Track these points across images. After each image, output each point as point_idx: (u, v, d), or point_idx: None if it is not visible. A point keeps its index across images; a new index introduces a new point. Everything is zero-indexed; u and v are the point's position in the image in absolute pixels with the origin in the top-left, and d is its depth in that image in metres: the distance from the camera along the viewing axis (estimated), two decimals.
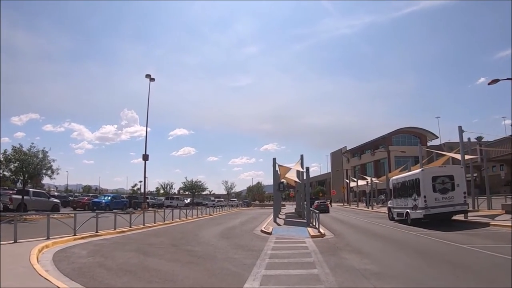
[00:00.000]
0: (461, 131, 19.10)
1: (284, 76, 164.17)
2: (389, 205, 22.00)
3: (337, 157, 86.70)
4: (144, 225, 17.96)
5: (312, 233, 14.04)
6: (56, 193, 50.95)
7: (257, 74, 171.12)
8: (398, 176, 20.68)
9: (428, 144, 65.04)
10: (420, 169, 16.85)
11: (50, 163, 21.97)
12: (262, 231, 15.73)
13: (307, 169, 18.73)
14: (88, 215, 15.02)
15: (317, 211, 15.80)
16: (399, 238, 12.91)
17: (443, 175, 16.66)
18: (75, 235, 12.49)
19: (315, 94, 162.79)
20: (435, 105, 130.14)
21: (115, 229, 15.00)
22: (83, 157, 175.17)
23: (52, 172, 22.35)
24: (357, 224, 20.05)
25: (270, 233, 14.76)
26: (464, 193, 16.67)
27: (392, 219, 21.24)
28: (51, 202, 25.33)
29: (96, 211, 16.87)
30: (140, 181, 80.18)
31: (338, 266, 7.63)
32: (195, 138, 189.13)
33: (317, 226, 15.09)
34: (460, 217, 17.70)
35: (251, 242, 12.06)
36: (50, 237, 11.38)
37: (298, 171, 25.94)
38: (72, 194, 52.85)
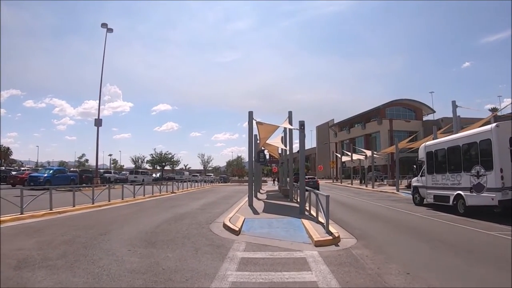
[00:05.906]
0: None
1: (271, 52, 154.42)
2: (415, 184, 15.42)
3: (323, 131, 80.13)
4: (51, 210, 11.67)
5: (314, 235, 7.33)
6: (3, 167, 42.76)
7: (245, 50, 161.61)
8: (442, 139, 13.78)
9: (424, 118, 59.55)
10: (493, 124, 10.12)
11: None
12: (225, 226, 8.97)
13: (302, 125, 11.66)
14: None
15: (324, 194, 8.86)
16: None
17: None
18: None
19: (303, 71, 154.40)
20: (421, 87, 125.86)
21: None
22: (65, 133, 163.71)
23: None
24: (375, 212, 13.41)
25: (238, 232, 8.06)
26: None
27: (419, 203, 14.91)
28: None
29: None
30: (110, 155, 72.37)
31: None
32: (179, 114, 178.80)
33: (323, 221, 8.41)
34: None
35: (187, 264, 5.19)
36: None
37: (283, 137, 19.14)
38: (17, 169, 44.61)
